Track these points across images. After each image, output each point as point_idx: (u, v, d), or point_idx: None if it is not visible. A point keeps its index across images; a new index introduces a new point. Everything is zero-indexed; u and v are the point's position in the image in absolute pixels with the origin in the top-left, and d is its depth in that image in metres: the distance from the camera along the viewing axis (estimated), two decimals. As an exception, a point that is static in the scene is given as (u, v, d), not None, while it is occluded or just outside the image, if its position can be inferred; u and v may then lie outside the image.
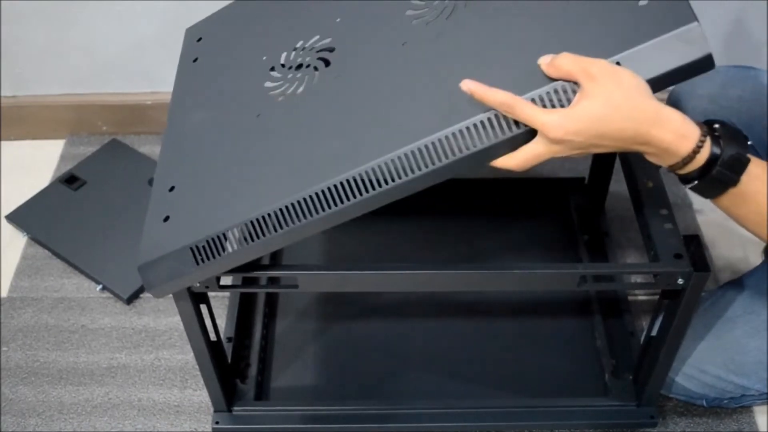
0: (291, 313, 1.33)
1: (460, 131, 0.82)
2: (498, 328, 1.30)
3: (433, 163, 0.83)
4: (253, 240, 0.88)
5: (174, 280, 0.93)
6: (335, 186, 0.85)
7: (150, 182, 1.57)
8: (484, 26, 0.90)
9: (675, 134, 0.79)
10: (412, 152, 0.83)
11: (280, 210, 0.87)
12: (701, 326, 1.13)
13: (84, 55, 1.60)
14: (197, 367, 1.09)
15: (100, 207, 1.53)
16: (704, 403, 1.18)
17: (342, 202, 0.85)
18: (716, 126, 0.83)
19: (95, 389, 1.31)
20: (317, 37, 1.01)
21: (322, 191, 0.85)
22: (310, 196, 0.86)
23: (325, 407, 1.17)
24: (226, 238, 0.89)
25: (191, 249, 0.90)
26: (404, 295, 1.33)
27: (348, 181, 0.85)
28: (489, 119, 0.81)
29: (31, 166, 1.67)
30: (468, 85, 0.81)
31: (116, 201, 1.54)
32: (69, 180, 1.58)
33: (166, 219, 0.94)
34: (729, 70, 1.19)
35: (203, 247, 0.90)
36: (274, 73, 1.01)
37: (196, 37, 1.15)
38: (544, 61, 0.80)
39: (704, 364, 1.12)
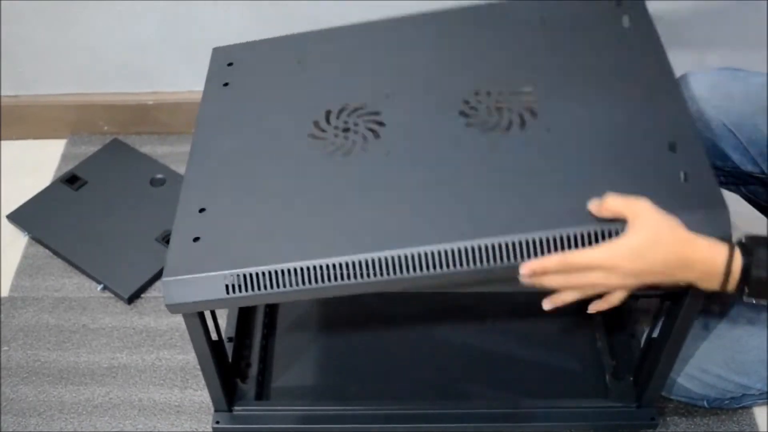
0: (292, 313, 1.33)
1: (511, 244, 0.88)
2: (498, 328, 1.30)
3: (458, 267, 0.89)
4: (287, 287, 0.91)
5: (200, 303, 0.94)
6: (371, 260, 0.90)
7: (152, 182, 1.57)
8: (540, 152, 0.96)
9: (709, 250, 0.86)
10: (445, 251, 0.88)
11: (322, 266, 0.90)
12: (701, 325, 1.13)
13: (85, 55, 1.60)
14: (198, 367, 1.09)
15: (102, 207, 1.54)
16: (705, 404, 1.19)
17: (374, 276, 0.90)
18: (741, 239, 0.89)
19: (96, 389, 1.31)
20: (365, 104, 1.05)
21: (353, 262, 0.90)
22: (347, 263, 0.90)
23: (326, 407, 1.17)
24: (263, 277, 0.91)
25: (225, 279, 0.92)
26: (405, 296, 1.33)
27: (384, 259, 0.89)
28: (531, 240, 0.88)
29: (33, 165, 1.67)
30: (528, 269, 0.87)
31: (117, 201, 1.54)
32: (70, 180, 1.58)
33: (196, 239, 0.95)
34: (718, 72, 1.20)
35: (238, 280, 0.92)
36: (319, 126, 1.04)
37: (227, 61, 1.17)
38: (594, 204, 0.87)
39: (705, 363, 1.12)
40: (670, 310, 1.01)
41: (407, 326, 1.31)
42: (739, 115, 1.15)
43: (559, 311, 1.31)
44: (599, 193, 0.88)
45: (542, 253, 0.87)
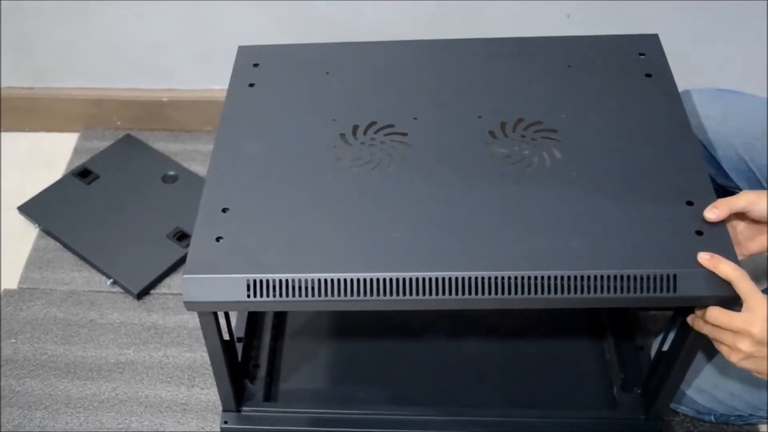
0: (301, 315, 1.33)
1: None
2: (507, 339, 1.30)
3: (474, 295, 0.91)
4: (309, 297, 0.92)
5: (219, 303, 0.95)
6: (399, 279, 0.91)
7: (164, 179, 1.57)
8: (561, 193, 0.98)
9: None
10: (466, 278, 0.91)
11: (347, 280, 0.91)
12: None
13: (102, 51, 1.61)
14: (205, 365, 1.09)
15: (113, 201, 1.54)
16: (713, 418, 1.18)
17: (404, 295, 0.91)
18: None
19: (102, 384, 1.31)
20: (393, 125, 1.07)
21: (378, 279, 0.91)
22: (371, 280, 0.91)
23: (333, 410, 1.17)
24: (286, 285, 0.92)
25: (247, 282, 0.92)
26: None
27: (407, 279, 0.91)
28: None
29: (45, 158, 1.68)
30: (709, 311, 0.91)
31: (129, 196, 1.54)
32: (82, 173, 1.58)
33: (219, 239, 0.96)
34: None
35: (260, 284, 0.92)
36: (346, 139, 1.06)
37: (253, 61, 1.18)
38: (704, 257, 0.91)
39: (718, 379, 1.12)
40: (683, 324, 1.00)
41: (415, 333, 1.31)
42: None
43: (568, 323, 1.33)
44: (614, 238, 0.93)
45: (556, 290, 0.90)
